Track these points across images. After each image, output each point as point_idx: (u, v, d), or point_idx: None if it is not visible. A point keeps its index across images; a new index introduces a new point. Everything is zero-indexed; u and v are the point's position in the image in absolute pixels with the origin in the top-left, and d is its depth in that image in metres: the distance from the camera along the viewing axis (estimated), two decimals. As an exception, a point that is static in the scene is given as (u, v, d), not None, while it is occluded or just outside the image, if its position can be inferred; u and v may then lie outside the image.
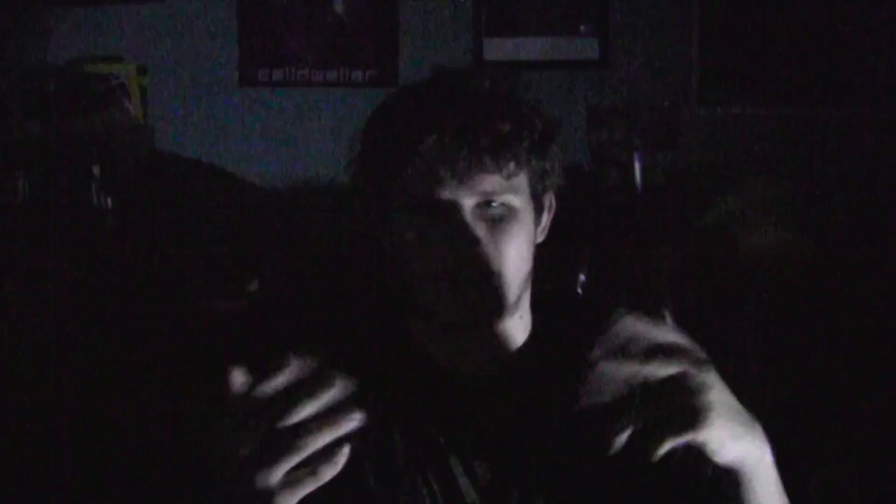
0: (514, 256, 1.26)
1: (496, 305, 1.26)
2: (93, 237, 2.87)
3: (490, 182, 1.24)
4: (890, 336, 2.57)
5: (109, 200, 2.93)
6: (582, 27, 3.26)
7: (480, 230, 1.24)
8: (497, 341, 1.33)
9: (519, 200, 1.27)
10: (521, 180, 1.27)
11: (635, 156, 3.11)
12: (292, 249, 3.00)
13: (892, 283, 2.70)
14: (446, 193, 1.23)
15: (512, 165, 1.24)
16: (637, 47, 3.24)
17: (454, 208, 1.23)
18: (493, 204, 1.25)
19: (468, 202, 1.24)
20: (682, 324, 1.64)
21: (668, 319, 1.63)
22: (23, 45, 3.25)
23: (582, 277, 1.35)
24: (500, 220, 1.25)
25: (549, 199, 1.35)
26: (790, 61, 3.21)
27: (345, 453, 1.05)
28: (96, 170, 2.92)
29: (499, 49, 3.26)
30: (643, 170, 3.10)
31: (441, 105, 1.26)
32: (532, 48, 3.26)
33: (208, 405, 1.38)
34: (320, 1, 3.29)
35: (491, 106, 1.26)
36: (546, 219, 1.35)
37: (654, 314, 1.68)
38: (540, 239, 1.35)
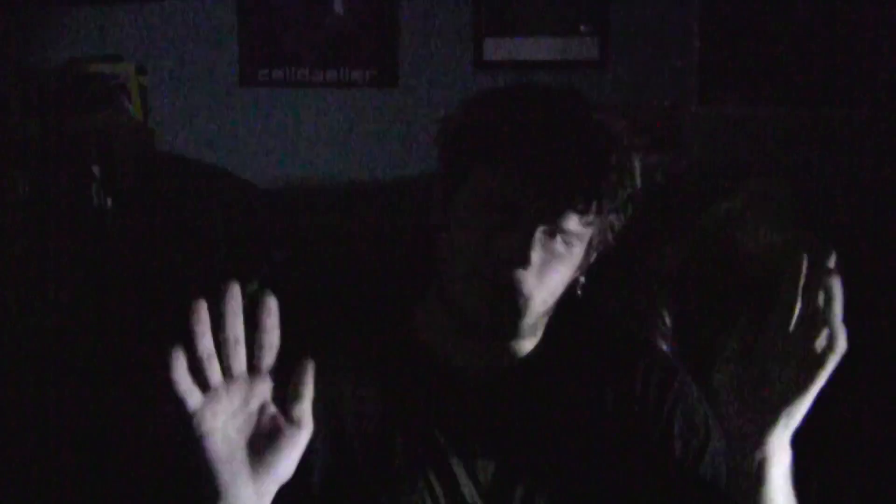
0: (550, 291, 1.26)
1: (513, 326, 1.26)
2: (93, 237, 2.87)
3: (570, 220, 1.23)
4: (890, 336, 2.57)
5: (109, 200, 2.93)
6: (582, 27, 3.26)
7: (536, 256, 1.23)
8: (507, 353, 1.33)
9: (580, 245, 1.26)
10: (592, 230, 1.27)
11: (635, 156, 3.10)
12: (292, 249, 3.00)
13: (892, 283, 2.70)
14: (527, 208, 1.22)
15: (594, 217, 1.23)
16: (637, 47, 3.23)
17: (526, 226, 1.22)
18: (559, 239, 1.24)
19: (540, 226, 1.22)
20: (682, 324, 1.65)
21: (668, 319, 1.63)
22: (23, 45, 3.25)
23: (582, 279, 1.35)
24: (556, 255, 1.25)
25: (598, 243, 1.34)
26: (790, 61, 3.21)
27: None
28: (96, 170, 2.92)
29: (499, 49, 3.26)
30: (643, 170, 3.09)
31: (568, 124, 1.24)
32: (532, 48, 3.26)
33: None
34: (320, 1, 3.29)
35: (610, 149, 1.25)
36: (591, 261, 1.34)
37: (653, 314, 1.68)
38: (579, 275, 1.33)
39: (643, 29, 3.23)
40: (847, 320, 1.20)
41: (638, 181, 1.28)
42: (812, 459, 2.28)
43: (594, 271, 1.37)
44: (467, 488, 1.28)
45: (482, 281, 1.23)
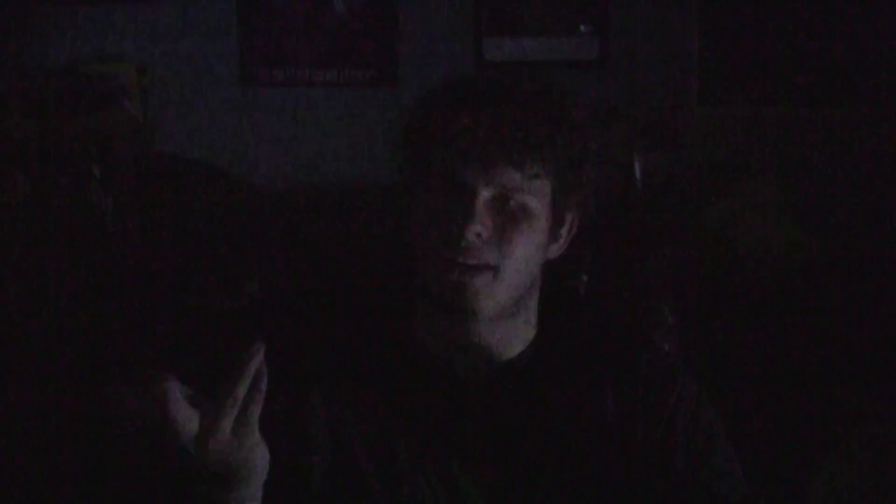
0: (518, 256, 1.26)
1: (486, 297, 1.26)
2: (93, 237, 2.87)
3: (510, 177, 1.24)
4: (890, 336, 2.57)
5: (109, 200, 2.92)
6: (582, 27, 3.26)
7: (491, 221, 1.24)
8: (499, 344, 1.33)
9: (537, 203, 1.27)
10: (545, 186, 1.27)
11: (635, 156, 3.11)
12: (292, 249, 3.00)
13: (892, 283, 2.70)
14: (467, 177, 1.24)
15: (535, 167, 1.24)
16: (637, 47, 3.23)
17: (471, 192, 1.24)
18: (511, 200, 1.25)
19: (485, 192, 1.24)
20: (682, 324, 1.65)
21: (669, 319, 1.63)
22: (23, 45, 3.25)
23: (584, 278, 1.35)
24: (512, 217, 1.26)
25: (572, 219, 1.34)
26: (790, 61, 3.21)
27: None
28: (96, 170, 2.91)
29: (499, 49, 3.26)
30: (643, 170, 3.10)
31: (486, 94, 1.27)
32: (532, 48, 3.26)
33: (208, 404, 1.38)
34: (320, 1, 3.29)
35: (534, 107, 1.26)
36: (564, 237, 1.34)
37: (654, 313, 1.68)
38: (553, 255, 1.34)
39: (643, 29, 3.24)
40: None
41: (587, 138, 1.29)
42: (812, 459, 2.28)
43: (596, 271, 1.37)
44: (469, 489, 1.28)
45: (446, 262, 1.24)
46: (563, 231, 1.34)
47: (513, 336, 1.33)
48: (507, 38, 3.27)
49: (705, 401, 1.38)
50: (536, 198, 1.26)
